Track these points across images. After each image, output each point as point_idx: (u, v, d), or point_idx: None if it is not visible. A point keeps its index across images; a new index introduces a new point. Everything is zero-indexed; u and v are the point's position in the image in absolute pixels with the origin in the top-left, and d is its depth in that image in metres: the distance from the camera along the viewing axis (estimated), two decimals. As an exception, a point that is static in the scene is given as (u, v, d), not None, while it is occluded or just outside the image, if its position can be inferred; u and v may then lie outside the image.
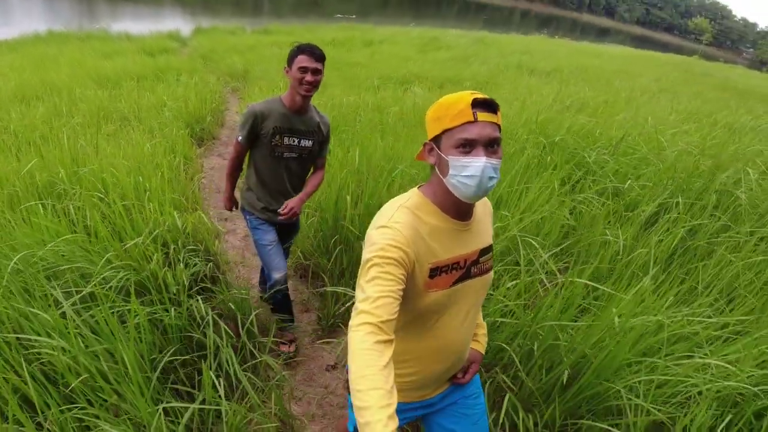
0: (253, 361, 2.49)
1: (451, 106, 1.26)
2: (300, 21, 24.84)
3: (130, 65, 9.00)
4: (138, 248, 2.57)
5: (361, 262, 1.26)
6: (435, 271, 1.34)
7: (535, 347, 2.23)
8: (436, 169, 1.34)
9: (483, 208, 1.51)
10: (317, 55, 2.49)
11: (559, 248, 2.93)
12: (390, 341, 1.12)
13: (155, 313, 2.29)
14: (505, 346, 2.26)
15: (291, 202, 2.72)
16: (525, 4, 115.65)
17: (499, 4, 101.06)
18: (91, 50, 10.77)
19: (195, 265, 2.79)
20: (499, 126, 1.30)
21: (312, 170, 2.92)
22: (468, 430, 1.64)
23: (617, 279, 2.63)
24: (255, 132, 2.59)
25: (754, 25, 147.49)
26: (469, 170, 1.26)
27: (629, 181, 3.71)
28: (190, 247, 2.89)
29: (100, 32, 15.18)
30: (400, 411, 1.52)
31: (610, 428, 1.93)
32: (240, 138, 2.62)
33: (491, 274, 1.52)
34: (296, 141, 2.66)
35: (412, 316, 1.39)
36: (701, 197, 3.57)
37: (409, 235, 1.28)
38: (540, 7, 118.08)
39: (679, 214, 3.31)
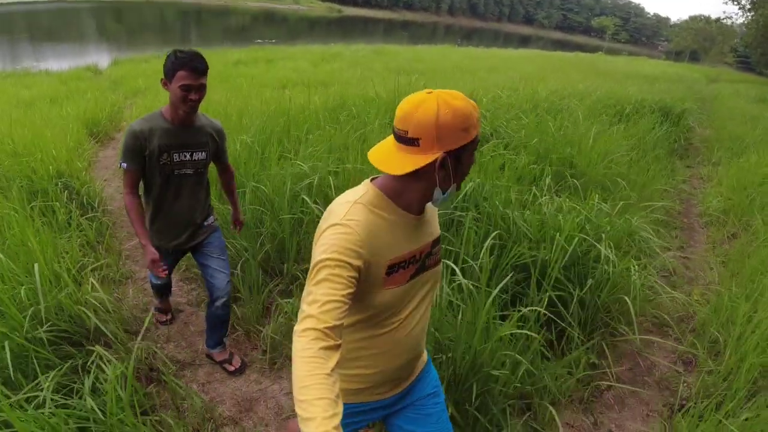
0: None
1: (471, 116, 1.22)
2: (222, 47, 26.23)
3: (45, 91, 10.54)
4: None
5: (311, 263, 1.22)
6: (393, 268, 1.32)
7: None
8: (439, 181, 1.27)
9: None
10: (200, 69, 2.27)
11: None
12: (336, 347, 1.10)
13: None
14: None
15: (236, 219, 2.99)
16: (449, 19, 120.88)
17: (422, 21, 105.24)
18: (10, 84, 12.21)
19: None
20: None
21: (221, 177, 2.87)
22: (429, 430, 1.61)
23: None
24: (140, 153, 2.38)
25: (667, 19, 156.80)
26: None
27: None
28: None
29: (23, 71, 16.47)
30: (357, 413, 1.53)
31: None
32: (125, 165, 2.40)
33: (440, 265, 1.52)
34: (188, 155, 2.48)
35: (368, 313, 1.36)
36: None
37: (363, 234, 1.24)
38: (463, 20, 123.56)
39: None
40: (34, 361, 2.19)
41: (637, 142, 7.08)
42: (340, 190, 3.57)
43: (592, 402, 2.81)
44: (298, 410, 0.97)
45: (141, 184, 2.52)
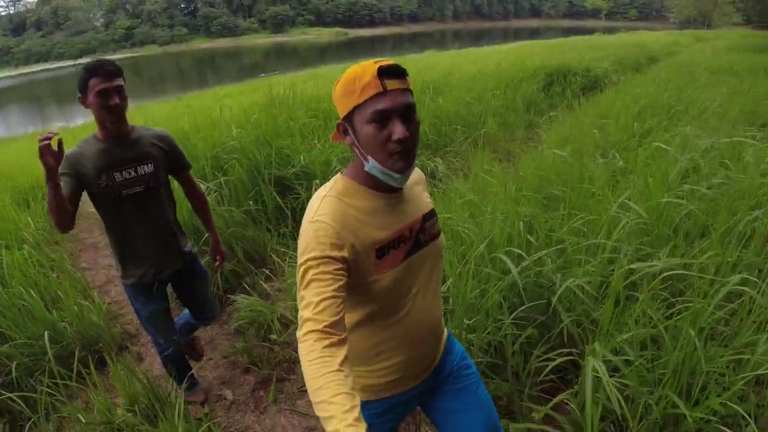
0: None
1: (357, 80, 1.21)
2: (231, 84, 27.94)
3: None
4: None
5: (297, 266, 1.23)
6: (381, 251, 1.32)
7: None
8: (357, 151, 1.30)
9: (413, 175, 1.45)
10: (112, 71, 2.15)
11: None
12: (340, 341, 1.12)
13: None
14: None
15: (219, 250, 2.78)
16: (455, 25, 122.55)
17: (430, 31, 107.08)
18: (33, 141, 14.65)
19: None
20: (411, 91, 1.27)
21: (190, 199, 2.70)
22: (469, 402, 1.61)
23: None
24: (72, 177, 2.19)
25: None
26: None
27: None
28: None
29: (43, 130, 19.06)
30: (393, 406, 1.53)
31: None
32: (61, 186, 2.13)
33: (442, 237, 1.51)
34: (132, 172, 2.31)
35: (376, 305, 1.37)
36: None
37: (337, 225, 1.25)
38: (470, 24, 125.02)
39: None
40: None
41: (510, 102, 8.67)
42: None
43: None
44: (317, 412, 1.00)
45: (99, 219, 2.44)
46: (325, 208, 1.28)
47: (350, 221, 1.28)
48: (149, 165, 2.36)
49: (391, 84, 1.21)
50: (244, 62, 61.03)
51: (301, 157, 4.70)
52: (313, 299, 1.15)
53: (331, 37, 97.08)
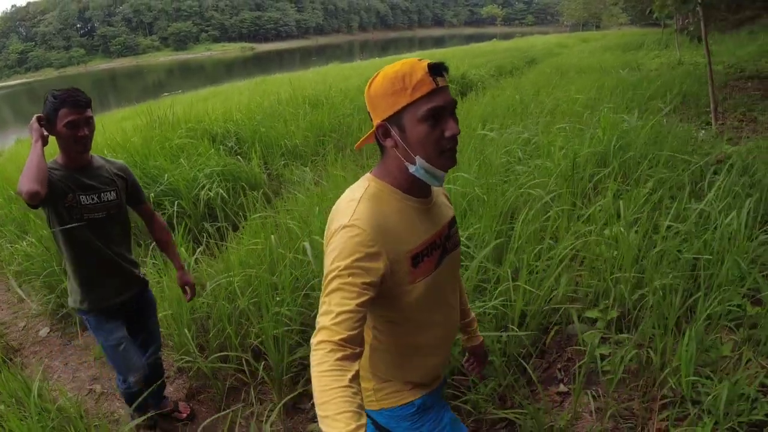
0: None
1: (406, 78, 1.16)
2: (133, 105, 27.30)
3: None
4: None
5: (324, 270, 1.19)
6: (417, 258, 1.29)
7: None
8: (400, 152, 1.24)
9: None
10: (83, 102, 2.14)
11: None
12: (354, 355, 1.09)
13: None
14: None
15: (185, 280, 2.71)
16: (362, 35, 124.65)
17: (337, 43, 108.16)
18: None
19: None
20: None
21: (151, 228, 2.69)
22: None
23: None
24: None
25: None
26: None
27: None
28: None
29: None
30: (430, 407, 1.50)
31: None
32: None
33: (460, 245, 1.51)
34: (96, 198, 2.31)
35: (412, 311, 1.35)
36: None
37: (374, 233, 1.19)
38: (377, 34, 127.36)
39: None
40: None
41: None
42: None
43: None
44: (321, 426, 0.97)
45: (59, 244, 2.35)
46: (362, 212, 1.22)
47: (385, 227, 1.23)
48: (112, 193, 2.38)
49: (441, 81, 1.19)
50: (147, 82, 59.29)
51: (166, 176, 5.14)
52: (334, 309, 1.12)
53: (237, 52, 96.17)
